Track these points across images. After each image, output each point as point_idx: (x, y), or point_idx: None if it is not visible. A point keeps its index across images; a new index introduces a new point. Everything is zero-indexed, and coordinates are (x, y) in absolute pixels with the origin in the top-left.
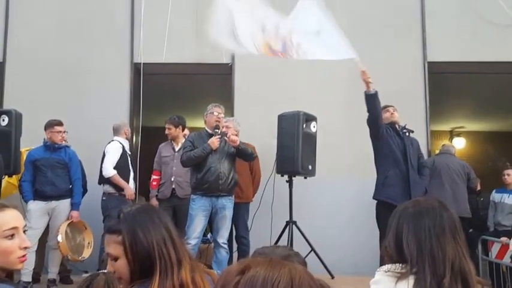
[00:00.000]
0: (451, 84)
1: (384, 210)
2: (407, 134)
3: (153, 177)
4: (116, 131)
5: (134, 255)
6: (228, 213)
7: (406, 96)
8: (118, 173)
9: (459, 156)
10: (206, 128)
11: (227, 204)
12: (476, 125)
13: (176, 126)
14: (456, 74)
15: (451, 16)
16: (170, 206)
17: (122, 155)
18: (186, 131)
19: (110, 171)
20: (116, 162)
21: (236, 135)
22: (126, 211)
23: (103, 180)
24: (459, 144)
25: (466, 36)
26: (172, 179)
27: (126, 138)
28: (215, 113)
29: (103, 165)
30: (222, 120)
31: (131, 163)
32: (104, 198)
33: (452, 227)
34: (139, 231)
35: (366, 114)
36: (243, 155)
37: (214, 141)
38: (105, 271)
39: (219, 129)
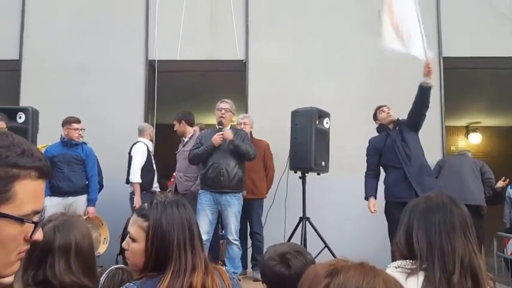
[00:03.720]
0: (466, 80)
1: (389, 207)
2: (396, 128)
3: (174, 174)
4: (141, 132)
5: (153, 247)
6: (234, 209)
7: None
8: (143, 174)
9: (475, 150)
10: (216, 125)
11: (232, 201)
12: (492, 120)
13: (179, 122)
14: (472, 69)
15: (466, 11)
16: None
17: (147, 157)
18: (196, 128)
19: (137, 178)
20: (142, 165)
21: (251, 131)
22: (160, 201)
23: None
24: (475, 139)
25: (482, 31)
26: (174, 174)
27: (151, 140)
28: (219, 109)
29: (131, 170)
30: (228, 116)
31: (155, 164)
32: (133, 196)
33: (463, 223)
34: (165, 227)
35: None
36: (239, 153)
37: (216, 138)
38: (122, 266)
39: (222, 125)
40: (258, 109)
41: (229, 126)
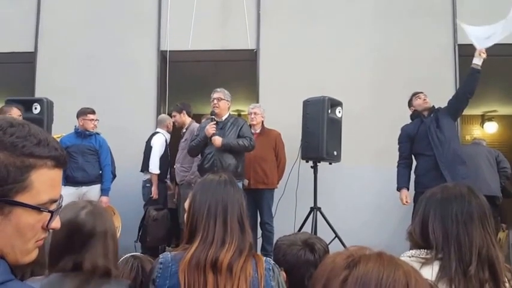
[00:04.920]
0: (482, 67)
1: (418, 198)
2: (431, 115)
3: None
4: (160, 123)
5: (188, 217)
6: None
7: (436, 80)
8: (160, 165)
9: (491, 140)
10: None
11: None
12: (509, 108)
13: (180, 112)
14: (488, 57)
15: None
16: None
17: (164, 148)
18: (205, 120)
19: (156, 169)
20: (160, 156)
21: (262, 121)
22: (207, 177)
23: (146, 168)
24: (491, 128)
25: (498, 16)
26: (175, 166)
27: (168, 131)
28: (212, 99)
29: (151, 161)
30: (222, 104)
31: (170, 155)
32: (147, 185)
33: (482, 214)
34: (198, 198)
35: (392, 100)
36: (236, 151)
37: (207, 129)
38: (136, 254)
39: (215, 115)
40: (269, 98)
41: (228, 114)
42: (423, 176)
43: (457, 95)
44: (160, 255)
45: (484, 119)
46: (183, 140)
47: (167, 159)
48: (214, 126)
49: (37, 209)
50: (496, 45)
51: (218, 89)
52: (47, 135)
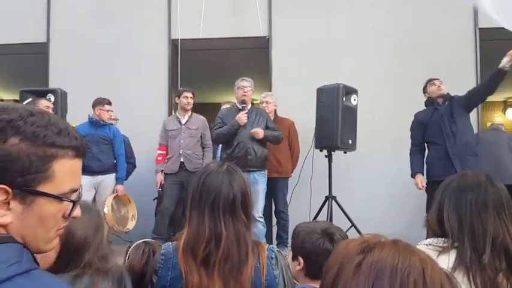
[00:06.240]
0: (504, 51)
1: (429, 186)
2: (446, 103)
3: (159, 152)
4: None
5: (186, 203)
6: (261, 187)
7: (456, 65)
8: None
9: None
10: (236, 103)
11: (259, 179)
12: None
13: (193, 99)
14: (510, 41)
15: None
16: (178, 180)
17: None
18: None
19: None
20: None
21: (275, 109)
22: (207, 166)
23: None
24: None
25: None
26: (180, 152)
27: None
28: (241, 87)
29: None
30: (250, 94)
31: None
32: None
33: (497, 203)
34: (193, 185)
35: (409, 87)
36: (270, 141)
37: (241, 117)
38: (148, 240)
39: (245, 103)
40: (282, 86)
41: (250, 105)
42: (433, 165)
43: (475, 92)
44: (163, 246)
45: (506, 105)
46: (193, 127)
47: None
48: (247, 114)
49: (59, 198)
50: None
51: (247, 78)
52: (67, 125)
